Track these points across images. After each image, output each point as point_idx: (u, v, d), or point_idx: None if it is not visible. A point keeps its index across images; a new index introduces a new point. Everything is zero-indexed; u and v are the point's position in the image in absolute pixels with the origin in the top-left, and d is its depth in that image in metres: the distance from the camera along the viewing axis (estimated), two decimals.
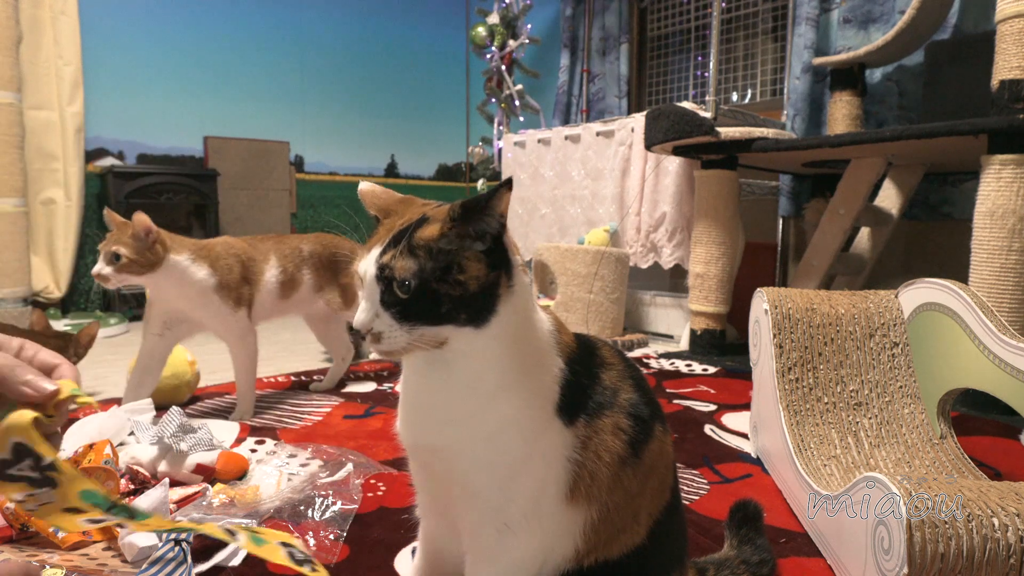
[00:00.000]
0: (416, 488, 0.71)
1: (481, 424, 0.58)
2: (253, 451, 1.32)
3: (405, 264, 0.54)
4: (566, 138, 3.16)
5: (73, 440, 1.17)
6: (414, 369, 0.62)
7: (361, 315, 0.55)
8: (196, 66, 3.68)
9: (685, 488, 1.15)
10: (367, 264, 0.56)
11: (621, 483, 0.61)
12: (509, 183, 0.55)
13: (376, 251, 0.56)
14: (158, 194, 3.29)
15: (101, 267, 1.39)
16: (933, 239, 2.52)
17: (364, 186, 0.63)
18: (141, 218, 1.40)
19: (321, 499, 1.05)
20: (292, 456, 1.27)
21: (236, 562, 0.87)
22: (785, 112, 2.82)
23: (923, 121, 2.21)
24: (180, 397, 1.67)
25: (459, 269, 0.54)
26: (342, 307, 1.81)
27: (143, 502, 0.91)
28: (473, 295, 0.54)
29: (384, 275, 0.54)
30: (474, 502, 0.60)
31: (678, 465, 1.27)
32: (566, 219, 3.17)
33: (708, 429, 1.51)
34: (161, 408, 1.57)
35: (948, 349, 1.10)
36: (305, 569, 0.52)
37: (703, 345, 2.43)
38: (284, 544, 0.54)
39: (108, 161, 3.40)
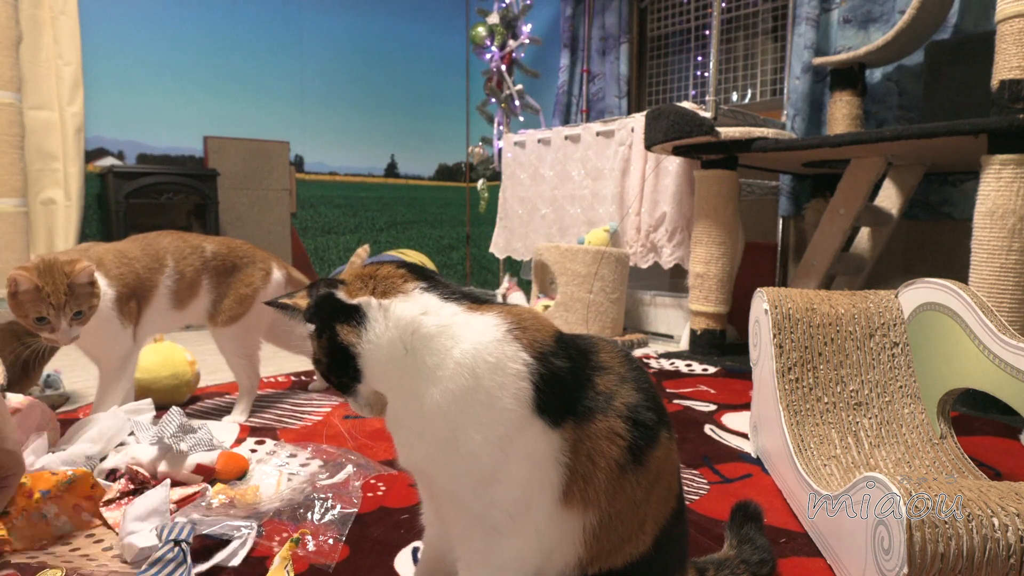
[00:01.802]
0: (420, 496, 0.73)
1: (438, 434, 0.58)
2: (253, 451, 1.32)
3: None
4: (566, 138, 3.16)
5: (77, 440, 1.17)
6: None
7: None
8: (196, 66, 3.68)
9: (685, 488, 1.15)
10: None
11: (623, 491, 0.60)
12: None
13: None
14: (158, 194, 3.29)
15: (71, 330, 1.21)
16: (933, 239, 2.52)
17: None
18: (82, 266, 1.20)
19: (321, 502, 1.05)
20: (292, 456, 1.27)
21: (236, 562, 0.87)
22: (785, 112, 2.82)
23: (923, 121, 2.21)
24: (180, 397, 1.67)
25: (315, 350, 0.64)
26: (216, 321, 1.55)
27: (143, 503, 0.91)
28: (329, 365, 0.63)
29: None
30: (460, 508, 0.60)
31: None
32: (566, 219, 3.17)
33: (708, 429, 1.51)
34: (161, 408, 1.58)
35: (948, 349, 1.10)
36: None
37: (703, 345, 2.43)
38: None
39: (108, 161, 3.40)
